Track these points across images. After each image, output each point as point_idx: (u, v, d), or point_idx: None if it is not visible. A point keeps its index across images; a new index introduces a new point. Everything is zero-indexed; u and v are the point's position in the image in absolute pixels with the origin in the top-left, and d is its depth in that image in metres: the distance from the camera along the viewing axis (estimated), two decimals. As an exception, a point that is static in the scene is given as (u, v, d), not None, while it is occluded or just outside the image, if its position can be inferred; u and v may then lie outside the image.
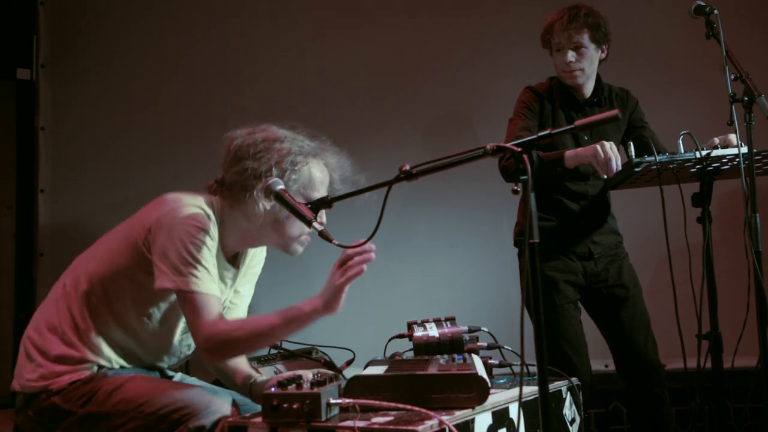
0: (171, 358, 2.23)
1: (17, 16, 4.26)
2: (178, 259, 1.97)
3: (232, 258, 2.21)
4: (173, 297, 2.06)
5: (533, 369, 1.87)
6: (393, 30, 4.17)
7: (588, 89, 3.04)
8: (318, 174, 2.15)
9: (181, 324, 2.16)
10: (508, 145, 1.81)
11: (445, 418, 1.68)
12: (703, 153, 2.54)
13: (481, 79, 4.08)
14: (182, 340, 2.20)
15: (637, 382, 2.99)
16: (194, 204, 2.05)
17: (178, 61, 4.24)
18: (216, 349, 1.99)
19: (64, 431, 2.03)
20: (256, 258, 2.35)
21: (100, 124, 4.18)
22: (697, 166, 2.60)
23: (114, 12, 4.30)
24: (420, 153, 3.91)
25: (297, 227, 2.12)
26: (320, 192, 2.15)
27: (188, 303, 1.98)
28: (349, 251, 1.90)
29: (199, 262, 1.99)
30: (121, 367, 2.13)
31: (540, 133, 1.85)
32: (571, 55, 2.95)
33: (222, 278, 2.16)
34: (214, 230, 2.05)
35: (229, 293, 2.25)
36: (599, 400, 3.88)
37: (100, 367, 2.09)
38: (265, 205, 2.07)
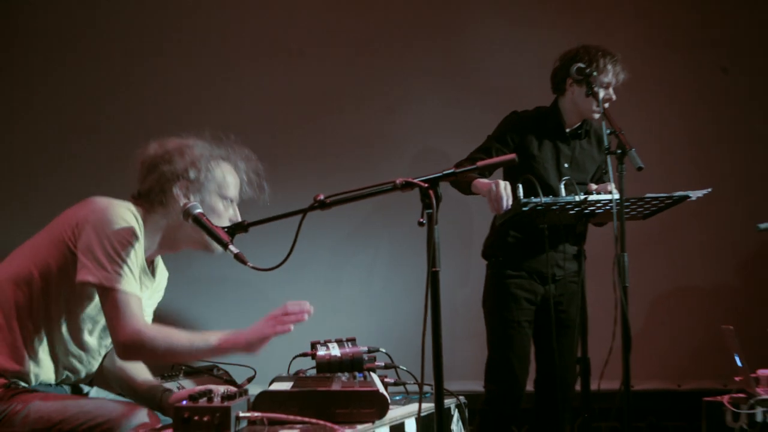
0: (90, 360, 2.19)
1: None
2: (103, 255, 1.98)
3: (150, 266, 2.22)
4: (96, 293, 2.05)
5: (426, 388, 2.04)
6: (308, 62, 4.30)
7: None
8: (230, 175, 2.23)
9: (102, 322, 2.12)
10: (415, 180, 1.95)
11: (347, 431, 1.82)
12: (582, 197, 2.83)
13: (389, 111, 4.28)
14: (101, 338, 2.18)
15: (549, 403, 3.21)
16: (123, 206, 2.08)
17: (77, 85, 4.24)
18: (134, 350, 2.01)
19: None
20: (162, 279, 2.35)
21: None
22: (576, 209, 2.89)
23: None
24: (331, 182, 4.06)
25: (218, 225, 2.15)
26: (233, 193, 2.23)
27: (110, 300, 1.99)
28: (290, 308, 1.99)
29: (125, 261, 2.00)
30: (36, 378, 2.07)
31: (445, 171, 1.99)
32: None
33: (142, 285, 2.16)
34: (140, 233, 2.07)
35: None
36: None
37: (11, 381, 2.03)
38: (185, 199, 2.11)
